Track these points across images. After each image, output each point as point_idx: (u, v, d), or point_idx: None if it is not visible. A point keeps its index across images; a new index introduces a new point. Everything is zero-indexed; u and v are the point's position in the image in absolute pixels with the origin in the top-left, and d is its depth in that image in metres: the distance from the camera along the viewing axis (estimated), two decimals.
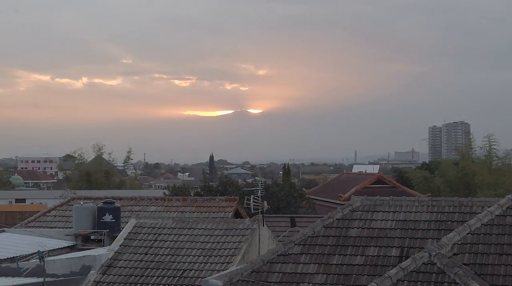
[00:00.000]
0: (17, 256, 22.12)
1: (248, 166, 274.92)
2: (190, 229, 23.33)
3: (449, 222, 19.42)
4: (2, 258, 22.13)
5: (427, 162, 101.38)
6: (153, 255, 22.19)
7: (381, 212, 20.14)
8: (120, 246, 22.84)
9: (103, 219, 25.99)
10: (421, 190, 62.77)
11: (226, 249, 22.00)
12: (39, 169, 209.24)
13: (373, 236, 19.21)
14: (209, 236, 22.76)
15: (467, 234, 17.71)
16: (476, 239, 17.63)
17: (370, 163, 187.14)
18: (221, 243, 22.33)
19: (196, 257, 21.81)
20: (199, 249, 22.14)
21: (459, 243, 17.47)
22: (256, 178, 75.21)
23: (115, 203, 27.00)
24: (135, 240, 23.10)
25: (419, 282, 16.15)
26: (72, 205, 28.39)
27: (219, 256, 21.71)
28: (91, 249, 23.90)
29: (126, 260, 22.12)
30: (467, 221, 18.28)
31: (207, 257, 21.75)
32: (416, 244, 18.72)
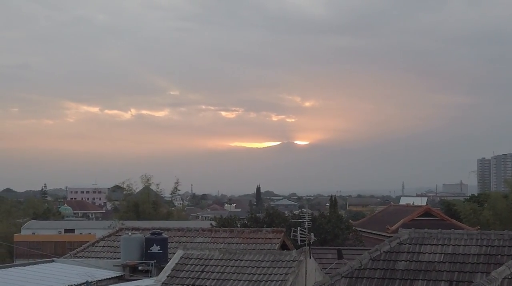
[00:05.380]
0: None
1: (295, 197, 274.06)
2: (236, 260, 23.35)
3: (499, 255, 19.17)
4: None
5: (476, 194, 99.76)
6: None
7: (429, 245, 19.99)
8: (168, 276, 22.97)
9: (151, 250, 26.14)
10: (469, 223, 61.88)
11: (273, 281, 21.94)
12: (88, 200, 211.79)
13: (421, 269, 19.04)
14: (255, 268, 22.75)
15: None
16: None
17: (417, 195, 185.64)
18: (267, 275, 22.28)
19: None
20: (245, 281, 22.13)
21: (509, 277, 17.17)
22: (303, 209, 75.01)
23: (163, 234, 27.14)
24: (182, 271, 23.20)
25: None
26: (120, 235, 28.64)
27: None
28: (139, 279, 24.05)
29: None
30: None
31: None
32: (465, 278, 18.51)
